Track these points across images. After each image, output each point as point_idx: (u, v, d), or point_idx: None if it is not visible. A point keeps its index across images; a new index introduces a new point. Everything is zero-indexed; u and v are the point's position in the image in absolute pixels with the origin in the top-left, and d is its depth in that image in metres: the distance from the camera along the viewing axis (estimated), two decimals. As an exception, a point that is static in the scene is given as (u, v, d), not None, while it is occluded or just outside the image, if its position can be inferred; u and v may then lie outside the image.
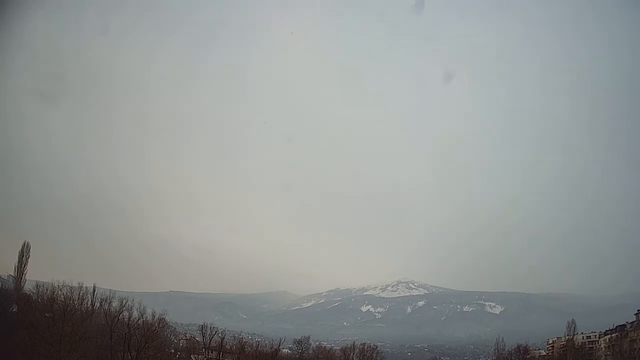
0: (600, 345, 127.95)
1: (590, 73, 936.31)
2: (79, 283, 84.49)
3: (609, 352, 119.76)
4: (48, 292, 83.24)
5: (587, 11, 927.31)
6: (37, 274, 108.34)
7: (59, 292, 79.56)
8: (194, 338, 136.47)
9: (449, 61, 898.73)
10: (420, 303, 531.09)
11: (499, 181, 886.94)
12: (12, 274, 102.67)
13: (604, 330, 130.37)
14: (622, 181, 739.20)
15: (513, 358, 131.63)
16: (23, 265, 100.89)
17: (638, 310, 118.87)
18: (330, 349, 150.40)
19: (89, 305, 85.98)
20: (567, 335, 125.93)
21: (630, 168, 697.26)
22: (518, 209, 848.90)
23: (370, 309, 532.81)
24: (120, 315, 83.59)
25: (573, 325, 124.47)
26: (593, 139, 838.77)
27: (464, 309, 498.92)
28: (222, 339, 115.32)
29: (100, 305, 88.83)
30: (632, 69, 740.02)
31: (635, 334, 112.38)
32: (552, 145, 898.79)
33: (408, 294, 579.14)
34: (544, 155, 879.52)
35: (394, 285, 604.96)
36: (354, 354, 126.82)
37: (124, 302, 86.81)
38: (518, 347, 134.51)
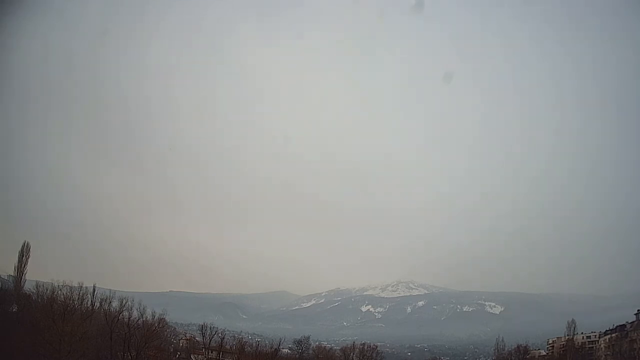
0: (600, 345, 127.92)
1: (598, 72, 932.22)
2: (79, 283, 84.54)
3: (609, 352, 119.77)
4: (48, 292, 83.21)
5: (590, 9, 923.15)
6: (37, 274, 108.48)
7: (59, 292, 79.56)
8: (194, 338, 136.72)
9: (450, 62, 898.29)
10: (420, 303, 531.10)
11: (500, 182, 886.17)
12: (12, 274, 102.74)
13: (604, 330, 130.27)
14: (626, 182, 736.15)
15: (513, 358, 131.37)
16: (23, 265, 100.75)
17: (638, 310, 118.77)
18: (330, 349, 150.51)
19: (89, 305, 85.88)
20: (567, 335, 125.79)
21: (633, 169, 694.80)
22: (518, 209, 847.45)
23: (370, 309, 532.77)
24: (120, 315, 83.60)
25: (573, 325, 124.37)
26: (599, 142, 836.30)
27: (464, 309, 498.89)
28: (222, 339, 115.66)
29: (100, 305, 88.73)
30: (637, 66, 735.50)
31: (635, 334, 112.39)
32: (555, 149, 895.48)
33: (408, 294, 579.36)
34: (546, 158, 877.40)
35: (394, 285, 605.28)
36: (354, 354, 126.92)
37: (124, 302, 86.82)
38: (518, 347, 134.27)
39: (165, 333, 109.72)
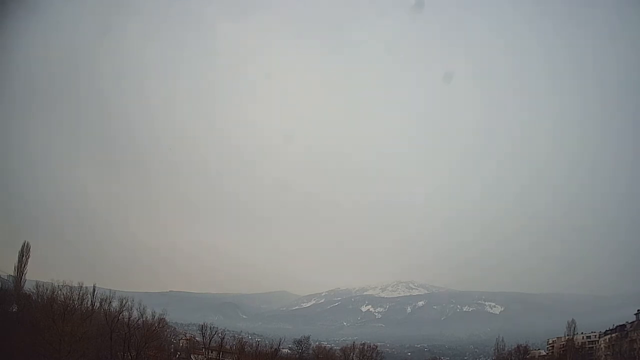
0: (600, 345, 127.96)
1: (598, 70, 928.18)
2: (79, 283, 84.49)
3: (609, 352, 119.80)
4: (48, 292, 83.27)
5: (591, 7, 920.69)
6: (37, 274, 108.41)
7: (59, 292, 79.59)
8: (194, 338, 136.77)
9: (449, 60, 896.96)
10: (420, 303, 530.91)
11: (500, 182, 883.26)
12: (12, 274, 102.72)
13: (604, 330, 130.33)
14: (626, 182, 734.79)
15: (513, 358, 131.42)
16: (23, 265, 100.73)
17: (638, 310, 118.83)
18: (330, 349, 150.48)
19: (89, 305, 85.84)
20: (567, 335, 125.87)
21: (635, 169, 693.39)
22: (519, 209, 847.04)
23: (370, 309, 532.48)
24: (120, 315, 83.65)
25: (573, 325, 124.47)
26: (600, 142, 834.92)
27: (464, 309, 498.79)
28: (222, 339, 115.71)
29: (100, 305, 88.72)
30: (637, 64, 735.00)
31: (635, 334, 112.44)
32: (555, 148, 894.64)
33: (408, 294, 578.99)
34: (547, 157, 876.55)
35: (394, 285, 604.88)
36: (354, 354, 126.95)
37: (124, 302, 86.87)
38: (518, 347, 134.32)
39: (165, 333, 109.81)
